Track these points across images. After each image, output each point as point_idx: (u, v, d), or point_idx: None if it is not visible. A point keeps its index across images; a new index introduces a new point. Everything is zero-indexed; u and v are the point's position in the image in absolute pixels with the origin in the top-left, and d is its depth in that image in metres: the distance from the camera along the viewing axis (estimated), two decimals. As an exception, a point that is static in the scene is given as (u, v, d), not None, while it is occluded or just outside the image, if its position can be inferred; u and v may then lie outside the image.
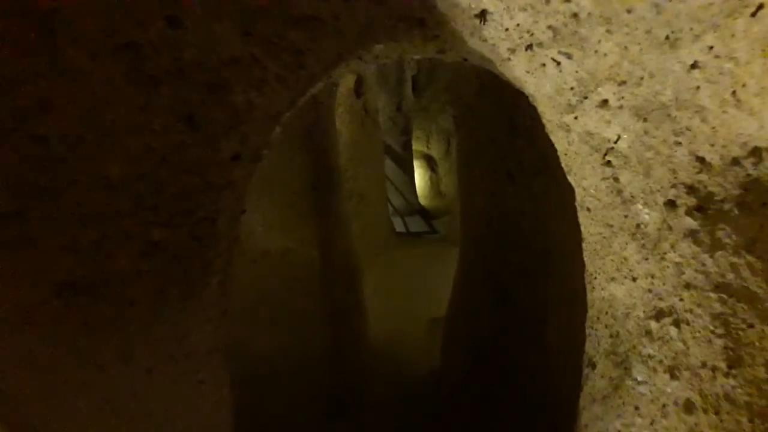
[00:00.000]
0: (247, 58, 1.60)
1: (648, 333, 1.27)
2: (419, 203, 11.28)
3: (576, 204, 1.58)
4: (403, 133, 10.87)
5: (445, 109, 12.21)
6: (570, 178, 1.55)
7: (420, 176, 12.11)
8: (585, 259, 1.59)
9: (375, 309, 5.15)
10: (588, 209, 1.48)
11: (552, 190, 3.32)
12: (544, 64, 1.32)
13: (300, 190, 3.83)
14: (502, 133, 3.64)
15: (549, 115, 1.45)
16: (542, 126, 1.67)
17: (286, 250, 3.89)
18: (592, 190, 1.42)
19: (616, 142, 1.25)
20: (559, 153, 1.59)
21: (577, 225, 1.61)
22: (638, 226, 1.28)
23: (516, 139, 3.59)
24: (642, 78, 1.11)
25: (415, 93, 11.48)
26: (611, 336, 1.43)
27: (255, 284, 3.95)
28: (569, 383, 2.03)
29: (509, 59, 1.42)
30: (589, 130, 1.31)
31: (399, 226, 9.37)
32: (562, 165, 1.60)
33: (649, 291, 1.26)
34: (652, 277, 1.25)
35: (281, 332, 4.01)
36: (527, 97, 1.73)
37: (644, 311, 1.28)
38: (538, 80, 1.40)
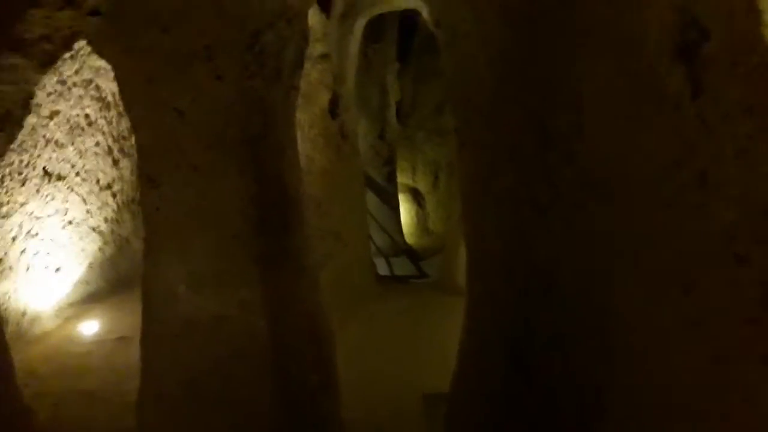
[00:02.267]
0: None
1: None
2: (405, 242, 10.14)
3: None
4: (387, 163, 9.81)
5: (431, 138, 11.23)
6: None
7: (406, 212, 11.01)
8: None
9: (352, 384, 3.94)
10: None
11: (605, 227, 2.23)
12: None
13: (241, 231, 2.67)
14: (527, 146, 2.54)
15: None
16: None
17: (220, 319, 2.70)
18: None
19: None
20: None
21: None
22: None
23: (548, 153, 2.49)
24: None
25: (399, 120, 10.47)
26: None
27: (176, 367, 2.74)
28: None
29: None
30: None
31: (383, 269, 8.21)
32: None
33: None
34: None
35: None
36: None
37: None
38: None
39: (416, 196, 11.38)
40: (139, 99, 2.63)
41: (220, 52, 2.54)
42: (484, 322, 2.84)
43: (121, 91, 2.70)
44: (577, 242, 2.41)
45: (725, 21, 1.17)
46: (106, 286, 6.60)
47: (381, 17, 9.18)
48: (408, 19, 10.29)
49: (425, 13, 6.37)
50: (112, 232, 6.80)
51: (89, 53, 5.19)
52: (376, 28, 9.11)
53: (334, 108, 6.12)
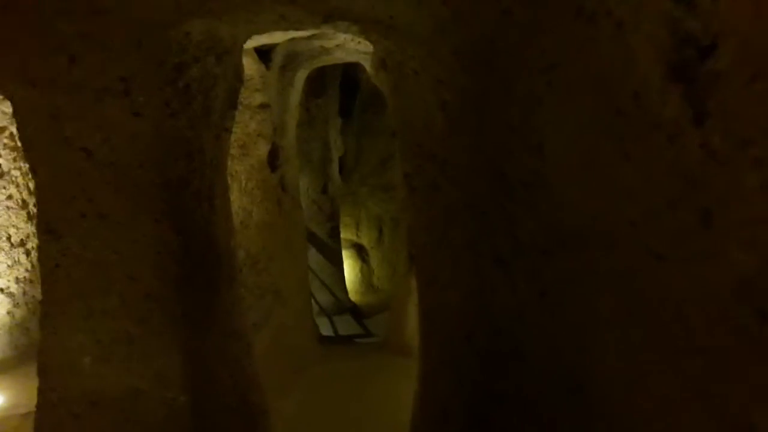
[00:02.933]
0: None
1: None
2: (349, 300, 9.73)
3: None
4: (330, 219, 9.50)
5: (375, 193, 11.07)
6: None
7: (350, 268, 10.66)
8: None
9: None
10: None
11: (578, 283, 2.01)
12: None
13: (157, 290, 2.28)
14: (485, 194, 2.31)
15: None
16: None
17: (132, 394, 2.26)
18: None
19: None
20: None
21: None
22: None
23: (508, 202, 2.27)
24: None
25: (342, 176, 10.27)
26: None
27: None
28: None
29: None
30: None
31: (326, 329, 7.75)
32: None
33: None
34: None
35: None
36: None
37: None
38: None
39: (360, 251, 11.07)
40: (40, 136, 2.26)
41: (138, 86, 2.22)
42: (441, 390, 2.52)
43: (20, 128, 2.32)
44: (546, 300, 2.17)
45: (738, 30, 0.98)
46: (15, 353, 5.89)
47: (322, 73, 9.11)
48: (349, 76, 10.28)
49: (368, 66, 6.30)
50: (24, 293, 6.13)
51: (2, 99, 4.74)
52: (318, 84, 9.00)
53: (273, 160, 5.83)
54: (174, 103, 2.30)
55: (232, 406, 2.58)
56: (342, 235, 10.29)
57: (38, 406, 2.26)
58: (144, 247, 2.28)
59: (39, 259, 2.31)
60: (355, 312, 9.18)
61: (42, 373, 2.25)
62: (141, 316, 2.26)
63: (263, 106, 5.63)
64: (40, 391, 2.27)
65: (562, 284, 2.15)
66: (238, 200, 5.71)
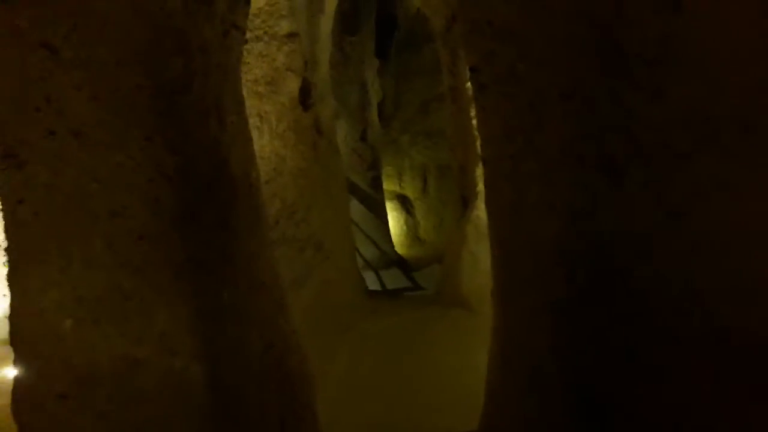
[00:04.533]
0: None
1: None
2: (396, 253, 9.19)
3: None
4: (371, 168, 8.88)
5: (417, 140, 10.37)
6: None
7: (394, 220, 10.08)
8: None
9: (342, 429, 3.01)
10: None
11: (724, 199, 1.39)
12: None
13: (153, 229, 1.73)
14: (591, 79, 1.65)
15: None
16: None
17: (131, 365, 1.74)
18: None
19: None
20: None
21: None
22: None
23: (624, 88, 1.61)
24: None
25: (381, 122, 9.59)
26: None
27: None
28: None
29: None
30: None
31: (373, 283, 7.25)
32: None
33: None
34: None
35: None
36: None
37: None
38: None
39: (404, 202, 10.46)
40: (-12, 34, 1.69)
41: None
42: (530, 348, 1.91)
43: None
44: (680, 224, 1.54)
45: None
46: None
47: (356, 7, 8.36)
48: (385, 12, 9.49)
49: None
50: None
51: None
52: (351, 19, 8.27)
53: (305, 98, 5.21)
54: (160, -21, 1.69)
55: (263, 375, 2.05)
56: (384, 186, 9.70)
57: (14, 386, 1.77)
58: (132, 174, 1.72)
59: None
60: (403, 265, 8.65)
61: (14, 344, 1.75)
62: (134, 264, 1.71)
63: (291, 36, 4.99)
64: (16, 368, 1.77)
65: (703, 201, 1.51)
66: (269, 144, 5.15)
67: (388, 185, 10.14)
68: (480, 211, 5.01)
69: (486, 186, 2.08)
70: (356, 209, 8.01)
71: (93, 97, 1.70)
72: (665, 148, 1.56)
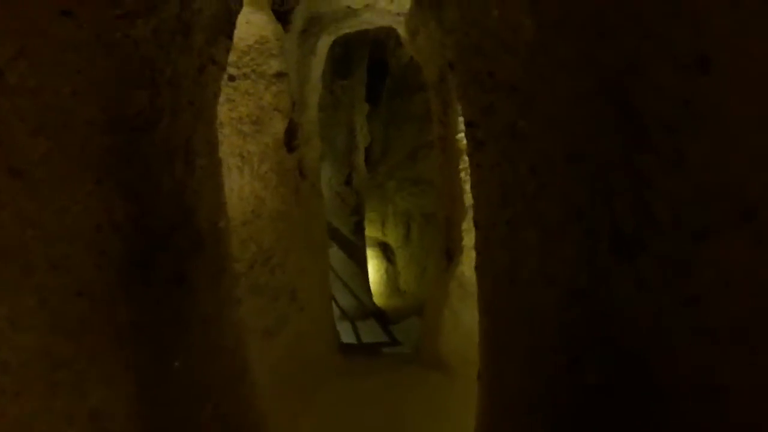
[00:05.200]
0: None
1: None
2: (373, 303, 8.90)
3: None
4: (354, 213, 8.68)
5: (403, 187, 10.24)
6: None
7: (374, 269, 9.83)
8: None
9: None
10: None
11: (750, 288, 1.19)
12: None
13: (95, 286, 1.48)
14: (601, 140, 1.47)
15: None
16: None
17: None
18: None
19: None
20: None
21: None
22: None
23: (637, 152, 1.45)
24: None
25: (367, 167, 9.46)
26: None
27: None
28: None
29: None
30: None
31: (347, 335, 6.94)
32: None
33: None
34: None
35: None
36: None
37: None
38: None
39: (386, 250, 10.24)
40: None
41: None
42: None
43: None
44: (699, 311, 1.35)
45: None
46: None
47: (348, 51, 8.33)
48: (377, 58, 9.50)
49: (401, 30, 5.48)
50: None
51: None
52: (343, 63, 8.23)
53: (291, 139, 5.03)
54: (127, 0, 1.50)
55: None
56: (366, 232, 9.48)
57: None
58: (76, 220, 1.49)
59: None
60: (380, 317, 8.35)
61: None
62: (68, 326, 1.46)
63: (280, 75, 4.84)
64: None
65: (725, 288, 1.33)
66: (249, 185, 4.92)
67: (371, 231, 9.94)
68: (465, 266, 4.80)
69: (478, 250, 1.88)
70: (336, 255, 7.77)
71: (39, 130, 1.48)
72: (684, 223, 1.38)
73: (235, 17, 2.13)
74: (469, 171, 4.89)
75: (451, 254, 5.39)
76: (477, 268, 1.91)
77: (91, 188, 1.50)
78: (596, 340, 1.54)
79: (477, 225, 1.82)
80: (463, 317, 4.74)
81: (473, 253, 4.98)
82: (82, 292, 1.48)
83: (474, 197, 1.85)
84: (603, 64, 1.43)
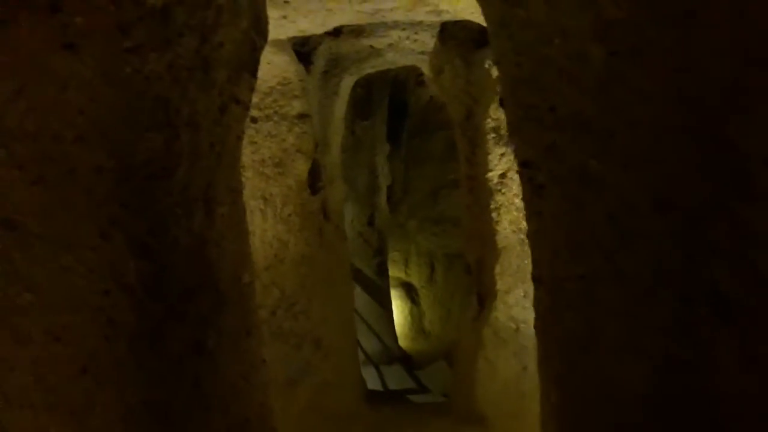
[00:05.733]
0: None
1: None
2: (399, 347, 8.57)
3: None
4: (377, 254, 8.46)
5: (425, 226, 10.02)
6: None
7: (398, 309, 9.54)
8: None
9: None
10: None
11: None
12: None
13: (101, 361, 1.27)
14: (693, 190, 1.24)
15: None
16: None
17: None
18: None
19: None
20: None
21: None
22: None
23: (732, 191, 1.21)
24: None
25: (389, 207, 9.28)
26: None
27: None
28: None
29: None
30: None
31: (372, 381, 6.63)
32: None
33: None
34: None
35: None
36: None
37: None
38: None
39: (409, 291, 9.95)
40: None
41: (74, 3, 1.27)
42: None
43: None
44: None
45: None
46: None
47: (369, 93, 8.26)
48: (397, 98, 9.42)
49: (425, 68, 5.36)
50: None
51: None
52: (364, 104, 8.15)
53: (314, 180, 4.87)
54: (139, 32, 1.33)
55: None
56: (389, 272, 9.23)
57: None
58: (80, 283, 1.28)
59: None
60: (406, 361, 8.02)
61: None
62: (70, 407, 1.25)
63: (302, 117, 4.71)
64: None
65: None
66: (272, 229, 4.75)
67: (394, 271, 9.68)
68: (499, 312, 4.51)
69: (539, 311, 1.63)
70: (360, 298, 7.52)
71: (38, 179, 1.29)
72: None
73: (260, 53, 1.97)
74: (500, 211, 4.67)
75: (482, 299, 5.11)
76: (537, 330, 1.66)
77: (97, 245, 1.30)
78: (694, 420, 1.27)
79: (538, 280, 1.58)
80: (498, 366, 4.44)
81: (507, 299, 4.65)
82: (86, 368, 1.27)
83: (533, 248, 1.61)
84: (695, 94, 1.22)
